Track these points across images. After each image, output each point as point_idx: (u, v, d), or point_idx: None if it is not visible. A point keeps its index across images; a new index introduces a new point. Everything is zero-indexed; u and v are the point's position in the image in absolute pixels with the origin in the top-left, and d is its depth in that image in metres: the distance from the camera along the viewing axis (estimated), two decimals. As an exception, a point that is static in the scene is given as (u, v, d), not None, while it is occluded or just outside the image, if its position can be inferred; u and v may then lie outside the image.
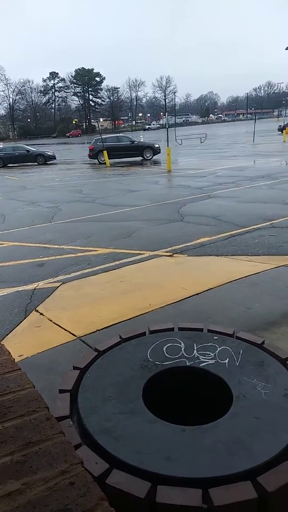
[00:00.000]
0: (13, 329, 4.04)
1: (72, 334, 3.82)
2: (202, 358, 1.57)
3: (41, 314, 4.32)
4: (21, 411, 0.84)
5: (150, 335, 1.71)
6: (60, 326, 4.00)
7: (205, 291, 4.54)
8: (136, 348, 1.62)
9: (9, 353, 1.06)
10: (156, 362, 1.55)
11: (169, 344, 1.63)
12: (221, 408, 1.38)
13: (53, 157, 25.77)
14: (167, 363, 1.55)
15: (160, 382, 1.52)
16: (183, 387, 1.57)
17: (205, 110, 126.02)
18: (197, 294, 4.46)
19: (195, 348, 1.61)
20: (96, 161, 23.00)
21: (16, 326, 4.09)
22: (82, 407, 1.33)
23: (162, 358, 1.57)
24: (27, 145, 29.02)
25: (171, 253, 5.97)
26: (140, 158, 23.00)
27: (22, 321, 4.19)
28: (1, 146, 30.06)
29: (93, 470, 1.05)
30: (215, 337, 1.70)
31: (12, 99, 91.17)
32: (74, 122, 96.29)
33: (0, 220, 9.35)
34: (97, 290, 4.85)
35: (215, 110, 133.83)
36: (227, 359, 1.56)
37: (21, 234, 7.73)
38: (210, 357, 1.57)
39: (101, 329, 3.85)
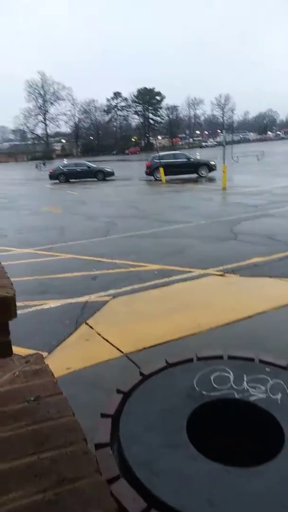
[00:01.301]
0: (63, 341, 4.11)
1: (119, 350, 3.81)
2: (252, 392, 1.46)
3: (91, 327, 4.36)
4: (59, 441, 0.81)
5: (198, 362, 1.63)
6: (108, 341, 4.01)
7: (256, 314, 4.33)
8: (182, 375, 1.55)
9: (53, 374, 1.05)
10: (203, 392, 1.47)
11: (217, 373, 1.54)
12: (271, 448, 1.26)
13: (112, 173, 26.55)
14: (214, 393, 1.47)
15: (205, 414, 1.44)
16: (230, 421, 1.47)
17: (263, 127, 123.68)
18: (248, 317, 4.27)
19: (245, 379, 1.51)
20: (152, 177, 23.32)
21: (67, 338, 4.16)
22: (123, 435, 1.28)
23: (209, 388, 1.48)
24: (88, 161, 30.20)
25: (223, 273, 5.81)
26: (196, 175, 22.97)
27: (72, 333, 4.26)
28: (65, 162, 31.54)
29: (130, 508, 0.99)
30: (267, 369, 1.59)
31: (78, 118, 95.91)
32: (133, 139, 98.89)
33: (59, 233, 9.71)
34: (146, 307, 4.82)
35: (274, 128, 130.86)
36: (280, 394, 1.44)
37: (78, 247, 7.96)
38: (261, 391, 1.46)
39: (148, 347, 3.80)
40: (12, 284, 1.72)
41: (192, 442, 1.28)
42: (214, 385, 1.49)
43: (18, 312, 4.60)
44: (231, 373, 1.53)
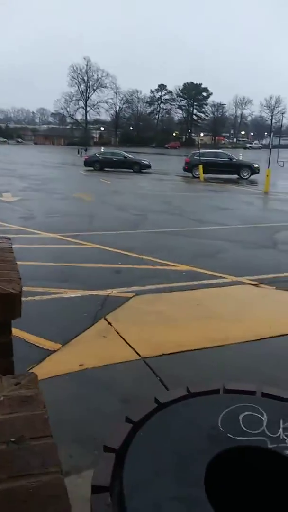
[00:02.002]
0: (79, 334, 3.93)
1: (136, 352, 3.59)
2: (289, 441, 1.20)
3: (109, 323, 4.17)
4: (36, 511, 0.60)
5: (225, 395, 1.37)
6: (125, 341, 3.79)
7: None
8: (205, 409, 1.30)
9: (45, 406, 0.83)
10: (228, 435, 1.22)
11: (247, 413, 1.28)
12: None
13: (148, 166, 26.26)
14: (241, 438, 1.21)
15: (229, 462, 1.19)
16: (257, 475, 1.22)
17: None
18: (282, 335, 3.94)
19: (282, 426, 1.25)
20: (190, 174, 22.89)
21: (83, 332, 3.98)
22: (127, 479, 1.05)
23: (236, 431, 1.23)
24: (125, 152, 30.02)
25: (257, 282, 5.45)
26: (236, 176, 22.36)
27: (89, 327, 4.08)
28: (102, 150, 31.48)
29: None
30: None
31: (119, 107, 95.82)
32: (175, 134, 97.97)
33: (88, 221, 9.59)
34: (170, 309, 4.57)
35: None
36: None
37: (105, 238, 7.78)
38: (299, 442, 1.20)
39: (168, 354, 3.56)
40: (20, 279, 1.52)
41: (209, 497, 1.04)
42: (243, 427, 1.23)
43: (38, 298, 4.41)
44: (265, 415, 1.26)
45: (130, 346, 3.70)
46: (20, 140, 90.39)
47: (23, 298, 1.43)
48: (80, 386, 3.14)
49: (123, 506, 0.99)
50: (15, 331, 1.70)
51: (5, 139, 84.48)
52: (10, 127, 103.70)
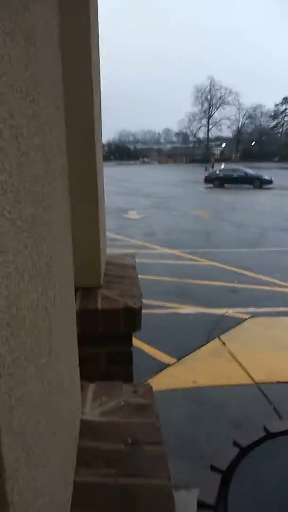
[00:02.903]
0: (193, 351, 4.00)
1: (250, 376, 3.50)
2: None
3: (223, 343, 4.14)
4: (145, 510, 0.68)
5: None
6: (239, 363, 3.72)
7: None
8: None
9: (157, 416, 0.92)
10: None
11: None
12: None
13: (270, 182, 25.24)
14: None
15: None
16: None
17: None
18: None
19: None
20: None
21: (197, 349, 4.04)
22: (232, 500, 1.07)
23: None
24: (246, 167, 29.42)
25: None
26: None
27: (203, 346, 4.11)
28: (223, 167, 31.40)
29: None
30: None
31: (242, 122, 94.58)
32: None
33: (205, 238, 9.66)
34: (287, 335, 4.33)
35: None
36: None
37: (222, 256, 7.75)
38: None
39: (284, 382, 3.38)
40: (141, 294, 1.67)
41: None
42: None
43: (155, 311, 4.66)
44: None
45: (244, 369, 3.62)
46: (146, 160, 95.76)
47: (142, 310, 1.56)
48: (192, 404, 3.19)
49: (227, 527, 1.01)
50: (135, 341, 1.86)
51: (134, 161, 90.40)
52: (137, 148, 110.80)
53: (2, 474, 0.35)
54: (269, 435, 1.28)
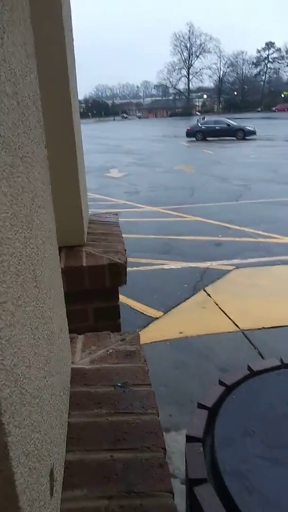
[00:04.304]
0: (179, 304, 4.11)
1: (235, 324, 3.64)
2: None
3: (209, 295, 4.26)
4: (136, 443, 0.74)
5: None
6: (224, 313, 3.86)
7: None
8: (298, 380, 1.33)
9: (145, 360, 0.97)
10: None
11: None
12: None
13: (253, 133, 24.85)
14: None
15: None
16: None
17: None
18: None
19: None
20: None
21: (183, 302, 4.15)
22: (218, 434, 1.16)
23: None
24: (229, 118, 28.80)
25: None
26: None
27: (189, 298, 4.23)
28: (205, 119, 30.65)
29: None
30: None
31: (223, 71, 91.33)
32: (283, 95, 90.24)
33: (188, 194, 9.62)
34: (272, 283, 4.46)
35: None
36: None
37: (206, 210, 7.77)
38: None
39: (268, 327, 3.53)
40: (125, 250, 1.69)
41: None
42: None
43: (142, 268, 4.72)
44: None
45: (229, 317, 3.76)
46: (125, 115, 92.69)
47: (128, 268, 1.60)
48: (180, 353, 3.33)
49: (214, 456, 1.10)
50: (122, 298, 1.91)
51: (113, 117, 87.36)
52: (116, 103, 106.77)
53: (-2, 406, 0.37)
54: (253, 373, 1.36)
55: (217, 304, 4.04)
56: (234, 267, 4.91)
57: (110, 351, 1.00)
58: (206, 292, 4.32)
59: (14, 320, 0.44)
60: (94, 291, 1.56)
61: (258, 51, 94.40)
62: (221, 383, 1.34)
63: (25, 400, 0.46)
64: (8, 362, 0.41)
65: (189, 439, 1.16)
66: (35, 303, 0.55)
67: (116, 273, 1.54)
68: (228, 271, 4.80)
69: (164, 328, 3.69)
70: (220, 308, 3.95)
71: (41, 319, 0.59)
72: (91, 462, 0.70)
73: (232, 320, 3.71)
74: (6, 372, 0.40)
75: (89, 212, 2.13)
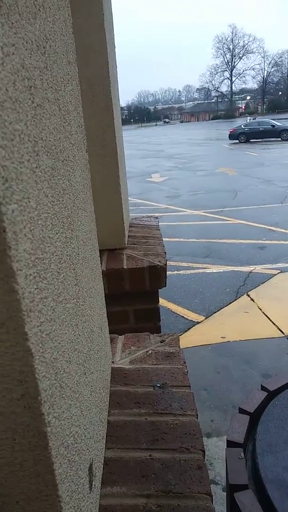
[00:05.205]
0: (221, 308, 4.05)
1: (279, 330, 3.53)
2: None
3: (252, 300, 4.16)
4: (174, 443, 0.73)
5: None
6: (268, 318, 3.75)
7: None
8: None
9: (184, 362, 0.96)
10: None
11: None
12: None
13: (300, 133, 24.06)
14: None
15: None
16: None
17: None
18: None
19: None
20: None
21: (225, 306, 4.08)
22: (260, 440, 1.13)
23: None
24: (273, 119, 28.06)
25: None
26: None
27: (231, 302, 4.15)
28: (248, 120, 30.08)
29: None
30: None
31: (267, 71, 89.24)
32: None
33: (231, 197, 9.47)
34: None
35: None
36: None
37: (249, 213, 7.60)
38: None
39: (314, 334, 3.39)
40: (165, 253, 1.69)
41: None
42: None
43: (182, 272, 4.72)
44: None
45: (273, 323, 3.65)
46: (167, 120, 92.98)
47: (169, 272, 1.60)
48: (222, 357, 3.27)
49: (255, 462, 1.08)
50: (163, 302, 1.91)
51: (155, 123, 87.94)
52: (158, 108, 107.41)
53: (38, 396, 0.39)
54: (297, 379, 1.31)
55: (260, 309, 3.93)
56: (278, 271, 4.76)
57: (150, 352, 1.01)
58: (249, 296, 4.23)
59: (55, 316, 0.46)
60: (134, 293, 1.58)
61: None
62: (263, 388, 1.31)
63: (64, 394, 0.48)
64: (48, 355, 0.42)
65: (230, 444, 1.14)
66: (75, 301, 0.57)
67: (156, 276, 1.55)
68: (273, 275, 4.67)
69: (205, 332, 3.65)
70: (263, 313, 3.85)
71: (81, 317, 0.60)
72: (130, 460, 0.71)
73: (276, 325, 3.60)
74: (46, 365, 0.41)
75: (130, 215, 2.16)
